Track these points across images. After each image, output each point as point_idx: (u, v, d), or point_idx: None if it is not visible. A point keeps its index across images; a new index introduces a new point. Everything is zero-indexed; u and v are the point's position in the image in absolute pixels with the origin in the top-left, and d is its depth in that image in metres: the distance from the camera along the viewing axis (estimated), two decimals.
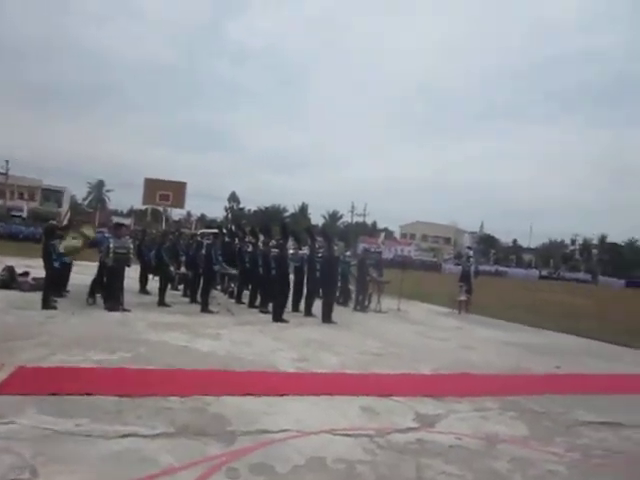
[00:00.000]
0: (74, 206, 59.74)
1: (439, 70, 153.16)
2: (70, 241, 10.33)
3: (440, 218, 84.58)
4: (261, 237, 12.77)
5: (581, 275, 68.41)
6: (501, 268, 63.22)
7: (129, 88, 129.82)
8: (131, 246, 10.32)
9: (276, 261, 11.31)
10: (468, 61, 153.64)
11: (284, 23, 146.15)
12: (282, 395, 5.39)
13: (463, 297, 15.38)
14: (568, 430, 5.17)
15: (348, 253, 15.12)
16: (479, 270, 47.33)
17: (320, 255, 12.10)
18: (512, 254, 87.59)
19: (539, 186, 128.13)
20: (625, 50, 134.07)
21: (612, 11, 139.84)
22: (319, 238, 12.71)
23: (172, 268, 12.02)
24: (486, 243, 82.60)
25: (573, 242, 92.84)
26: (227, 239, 13.95)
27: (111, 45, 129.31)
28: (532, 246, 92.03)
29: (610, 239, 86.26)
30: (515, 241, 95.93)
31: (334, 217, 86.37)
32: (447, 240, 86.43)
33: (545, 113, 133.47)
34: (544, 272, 66.12)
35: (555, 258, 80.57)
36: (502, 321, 14.00)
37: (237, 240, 13.90)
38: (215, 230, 14.78)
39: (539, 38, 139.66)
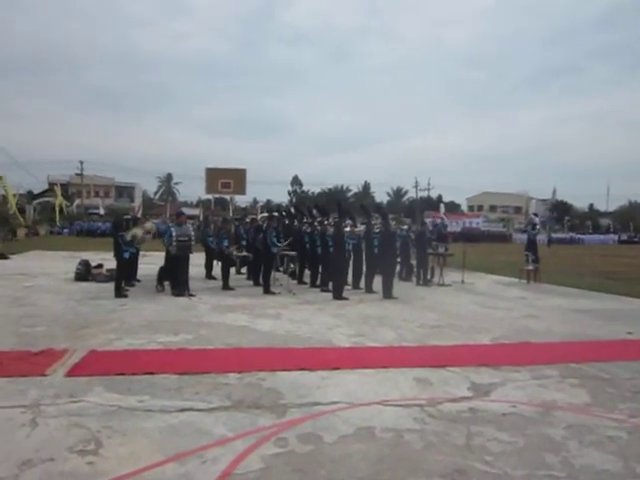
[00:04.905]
0: (146, 200, 62.40)
1: (491, 37, 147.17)
2: (135, 231, 10.85)
3: (510, 188, 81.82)
4: (317, 217, 12.90)
5: None
6: (576, 235, 60.37)
7: (185, 85, 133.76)
8: (192, 233, 10.70)
9: (333, 240, 11.41)
10: (519, 25, 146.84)
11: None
12: (336, 369, 5.47)
13: (530, 266, 14.88)
14: (634, 396, 4.96)
15: (405, 227, 15.00)
16: (553, 238, 45.83)
17: (377, 231, 12.09)
18: (588, 220, 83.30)
19: (613, 146, 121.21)
20: None
21: None
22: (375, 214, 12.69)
23: (234, 252, 12.39)
24: (560, 210, 78.83)
25: None
26: (287, 221, 14.22)
27: (164, 45, 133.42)
28: (610, 210, 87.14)
29: None
30: (591, 206, 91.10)
31: (398, 193, 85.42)
32: (518, 209, 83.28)
33: (611, 71, 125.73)
34: (624, 236, 62.48)
35: (636, 221, 75.79)
36: (572, 289, 13.46)
37: (296, 222, 14.11)
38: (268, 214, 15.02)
39: None
